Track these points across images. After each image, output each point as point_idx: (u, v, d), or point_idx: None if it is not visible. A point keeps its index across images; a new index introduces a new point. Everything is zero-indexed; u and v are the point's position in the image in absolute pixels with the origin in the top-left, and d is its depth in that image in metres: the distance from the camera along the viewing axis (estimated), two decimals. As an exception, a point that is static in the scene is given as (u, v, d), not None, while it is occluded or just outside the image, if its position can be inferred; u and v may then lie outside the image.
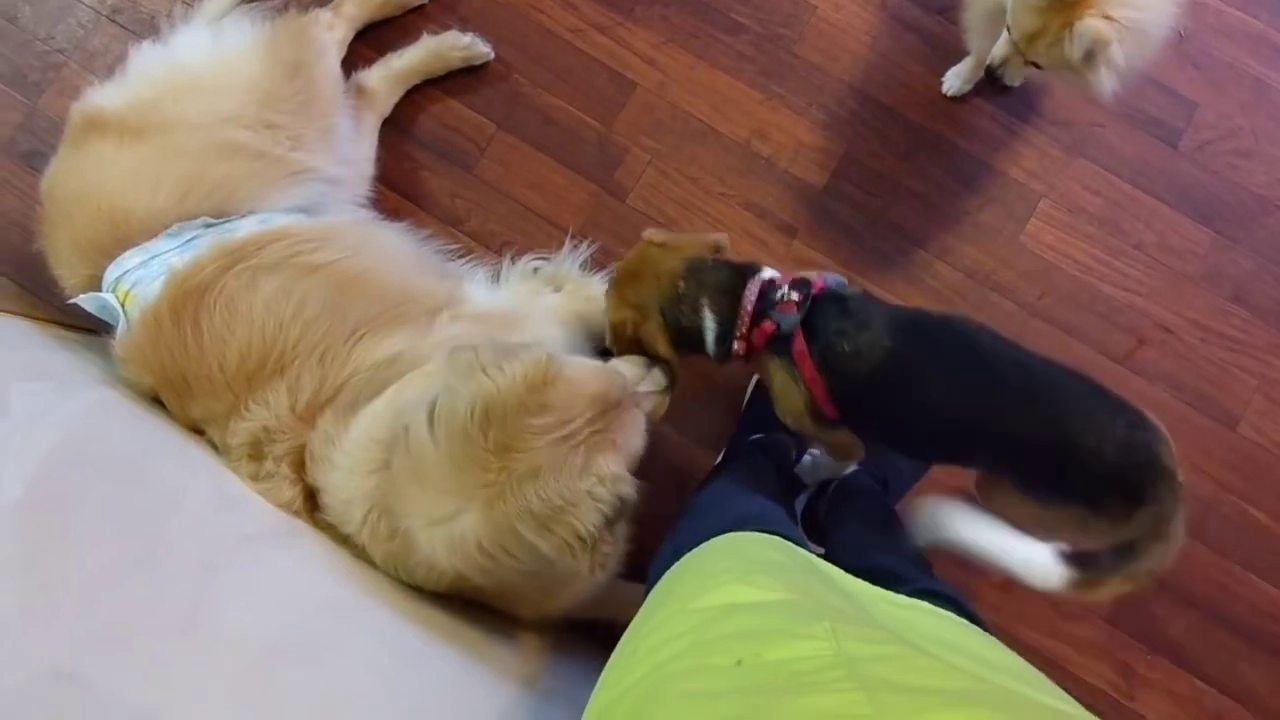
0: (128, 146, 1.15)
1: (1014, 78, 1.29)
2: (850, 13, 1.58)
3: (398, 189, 1.54)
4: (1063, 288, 1.52)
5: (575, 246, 1.45)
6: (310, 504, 1.08)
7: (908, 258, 1.53)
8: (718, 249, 1.15)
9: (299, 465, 1.07)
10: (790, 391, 1.09)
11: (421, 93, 1.56)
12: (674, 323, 1.10)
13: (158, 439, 1.13)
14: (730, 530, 0.75)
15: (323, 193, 1.29)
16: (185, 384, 1.11)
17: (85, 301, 1.20)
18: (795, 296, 1.05)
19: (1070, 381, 1.00)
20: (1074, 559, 0.87)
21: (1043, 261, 1.53)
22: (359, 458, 1.01)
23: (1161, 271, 1.53)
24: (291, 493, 1.07)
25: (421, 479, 0.92)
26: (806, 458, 1.41)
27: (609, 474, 0.91)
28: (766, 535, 0.74)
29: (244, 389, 1.09)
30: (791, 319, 1.05)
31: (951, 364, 1.02)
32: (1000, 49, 1.26)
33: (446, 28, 1.55)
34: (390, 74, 1.50)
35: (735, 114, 1.57)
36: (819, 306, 1.06)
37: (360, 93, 1.46)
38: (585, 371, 0.97)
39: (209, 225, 1.16)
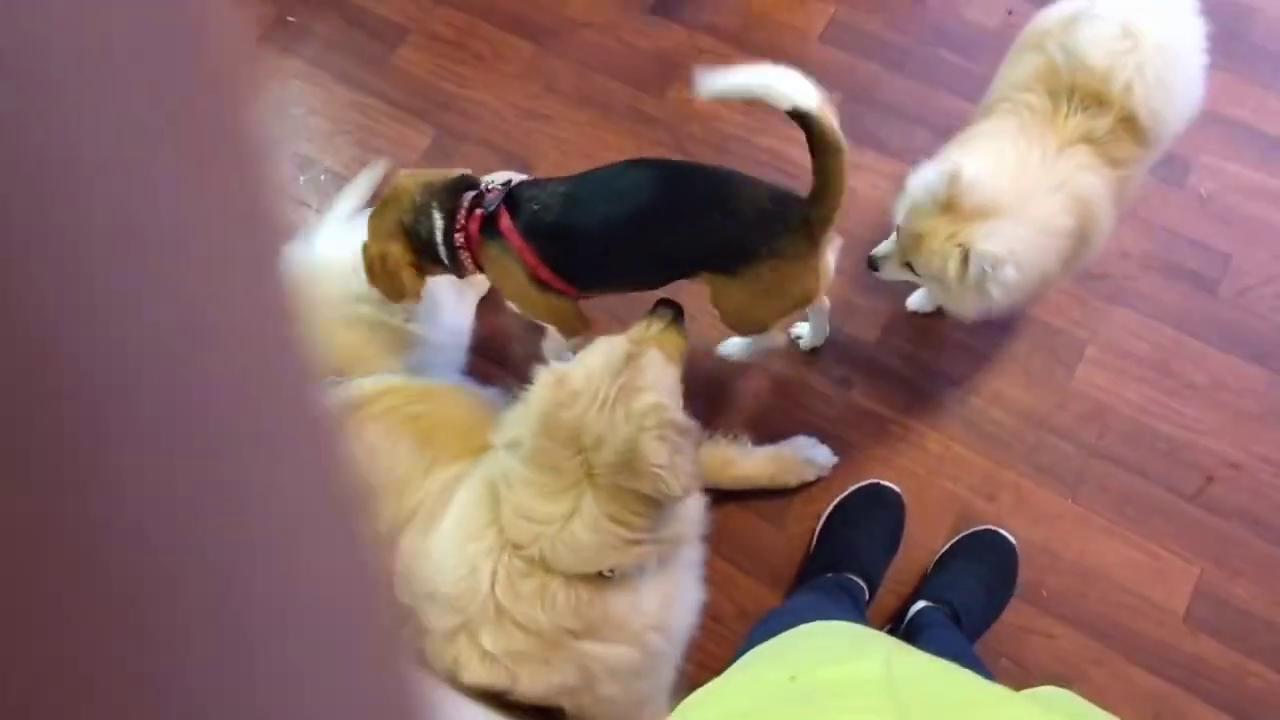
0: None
1: (889, 273, 1.35)
2: (885, 191, 1.78)
3: (489, 356, 1.74)
4: (1120, 428, 1.56)
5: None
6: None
7: (962, 404, 1.61)
8: (462, 177, 1.34)
9: None
10: (509, 268, 1.29)
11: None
12: (414, 235, 1.29)
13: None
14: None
15: (428, 357, 1.49)
16: None
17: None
18: (499, 185, 1.30)
19: (726, 175, 1.23)
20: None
21: (1097, 404, 1.59)
22: (466, 524, 1.13)
23: (1221, 410, 1.56)
24: None
25: (533, 500, 1.06)
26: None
27: (647, 407, 1.06)
28: (845, 623, 0.79)
29: None
30: (494, 199, 1.27)
31: (618, 194, 1.23)
32: (886, 244, 1.34)
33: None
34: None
35: (789, 281, 1.74)
36: (520, 190, 1.28)
37: (462, 276, 1.69)
38: (587, 355, 1.14)
39: (334, 383, 1.35)
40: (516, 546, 1.07)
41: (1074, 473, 1.54)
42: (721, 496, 1.53)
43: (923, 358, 1.65)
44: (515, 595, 1.07)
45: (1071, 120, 1.21)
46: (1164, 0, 1.23)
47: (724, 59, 1.35)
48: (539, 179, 1.34)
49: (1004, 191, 1.19)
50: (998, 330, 1.65)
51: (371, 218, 1.34)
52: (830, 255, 1.28)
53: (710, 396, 1.65)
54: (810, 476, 1.53)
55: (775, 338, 1.51)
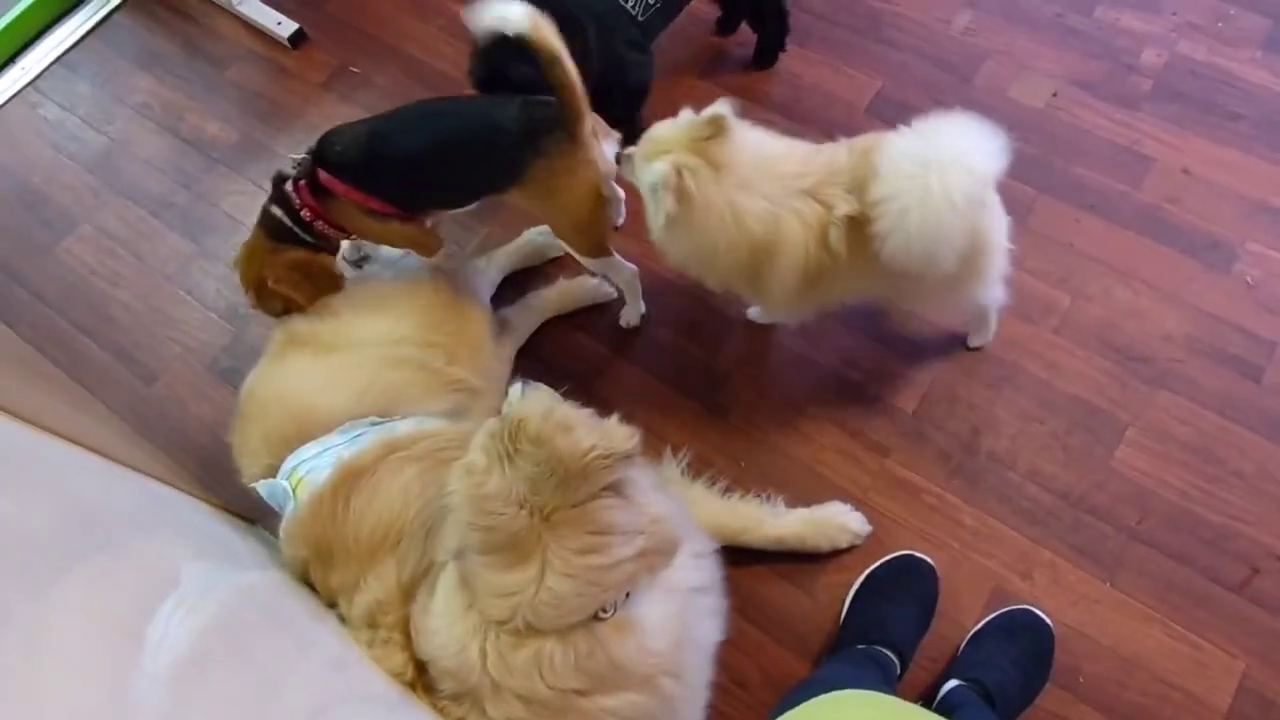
0: (320, 358, 1.40)
1: (625, 169, 1.43)
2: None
3: (525, 404, 1.75)
4: (1162, 513, 1.53)
5: (675, 456, 1.58)
6: (421, 676, 1.16)
7: (1000, 479, 1.59)
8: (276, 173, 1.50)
9: (407, 633, 1.17)
10: (350, 213, 1.46)
11: (552, 325, 1.82)
12: (276, 237, 1.48)
13: (293, 611, 1.26)
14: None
15: (466, 402, 1.50)
16: (330, 554, 1.25)
17: (260, 487, 1.39)
18: (298, 158, 1.46)
19: (483, 102, 1.49)
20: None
21: (1137, 487, 1.56)
22: (450, 607, 1.09)
23: (1267, 500, 1.52)
24: (401, 658, 1.15)
25: (499, 577, 1.01)
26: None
27: (537, 423, 1.01)
28: (882, 694, 0.77)
29: (367, 562, 1.22)
30: (302, 165, 1.44)
31: (412, 130, 1.42)
32: (636, 147, 1.40)
33: (577, 274, 1.83)
34: (528, 309, 1.78)
35: (826, 345, 1.74)
36: (322, 145, 1.43)
37: (503, 324, 1.72)
38: (474, 438, 1.09)
39: (374, 424, 1.37)
40: (500, 623, 1.03)
41: (1113, 555, 1.50)
42: (750, 558, 1.51)
43: (960, 430, 1.64)
44: (508, 671, 1.03)
45: (841, 186, 1.30)
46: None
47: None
48: (338, 127, 1.47)
49: (744, 163, 1.30)
50: (1037, 405, 1.64)
51: (243, 268, 1.53)
52: (602, 146, 1.44)
53: (742, 457, 1.65)
54: (843, 543, 1.51)
55: (621, 265, 1.65)
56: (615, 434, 1.02)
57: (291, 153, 1.65)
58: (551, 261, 1.90)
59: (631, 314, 1.79)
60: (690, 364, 1.77)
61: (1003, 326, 1.72)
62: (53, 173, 2.22)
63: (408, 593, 1.19)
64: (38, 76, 2.39)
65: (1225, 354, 1.65)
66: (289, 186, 1.46)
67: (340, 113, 2.20)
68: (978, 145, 1.20)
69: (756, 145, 1.34)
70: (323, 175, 1.43)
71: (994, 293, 1.47)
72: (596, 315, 1.84)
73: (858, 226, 1.29)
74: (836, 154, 1.34)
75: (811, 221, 1.31)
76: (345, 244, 1.66)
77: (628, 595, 1.04)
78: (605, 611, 1.03)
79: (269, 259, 1.49)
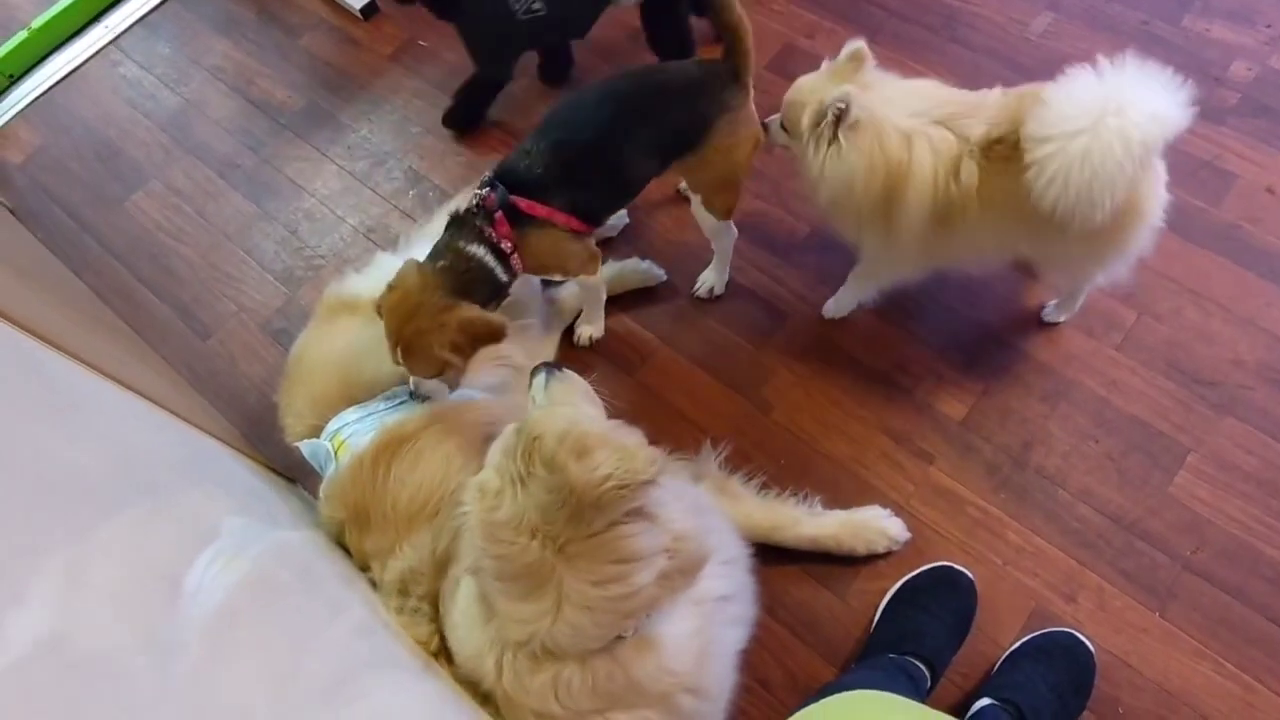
0: (369, 325, 1.41)
1: (776, 136, 1.50)
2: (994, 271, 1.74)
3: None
4: (1219, 544, 1.46)
5: (715, 449, 1.56)
6: (446, 647, 1.16)
7: (1048, 496, 1.54)
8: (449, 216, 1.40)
9: (437, 605, 1.17)
10: (546, 238, 1.39)
11: (601, 308, 1.81)
12: (463, 283, 1.31)
13: (325, 573, 1.27)
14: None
15: (512, 378, 1.50)
16: (367, 518, 1.26)
17: (303, 446, 1.41)
18: (484, 191, 1.35)
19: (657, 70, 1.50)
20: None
21: (1194, 515, 1.49)
22: (470, 614, 1.08)
23: (1333, 540, 1.45)
24: (428, 629, 1.16)
25: (515, 605, 0.97)
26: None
27: (551, 446, 0.94)
28: (905, 699, 0.75)
29: (405, 529, 1.23)
30: (498, 195, 1.34)
31: (590, 117, 1.39)
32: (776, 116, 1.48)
33: (629, 255, 1.82)
34: (577, 290, 1.77)
35: (879, 347, 1.71)
36: (502, 173, 1.37)
37: (553, 303, 1.72)
38: (489, 457, 1.05)
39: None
40: (518, 644, 1.00)
41: (1164, 585, 1.44)
42: (783, 557, 1.49)
43: (1011, 443, 1.59)
44: (525, 691, 1.00)
45: (984, 121, 1.30)
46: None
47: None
48: (510, 158, 1.42)
49: (888, 88, 1.35)
50: (1093, 424, 1.58)
51: (395, 313, 1.28)
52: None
53: (782, 455, 1.62)
54: (880, 548, 1.48)
55: (733, 230, 1.68)
56: (636, 458, 0.94)
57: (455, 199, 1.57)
58: (603, 243, 1.88)
59: (718, 282, 1.78)
60: (737, 357, 1.74)
61: (1062, 339, 1.66)
62: (128, 129, 2.28)
63: (441, 565, 1.19)
64: (120, 35, 2.46)
65: (1300, 384, 1.57)
66: (482, 224, 1.34)
67: (407, 85, 2.22)
68: (1162, 95, 1.16)
69: (899, 80, 1.38)
70: (524, 203, 1.36)
71: (1122, 269, 1.42)
72: (645, 300, 1.83)
73: (999, 166, 1.27)
74: (987, 94, 1.34)
75: (942, 149, 1.30)
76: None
77: (649, 615, 1.00)
78: (626, 633, 0.99)
79: (439, 317, 1.27)
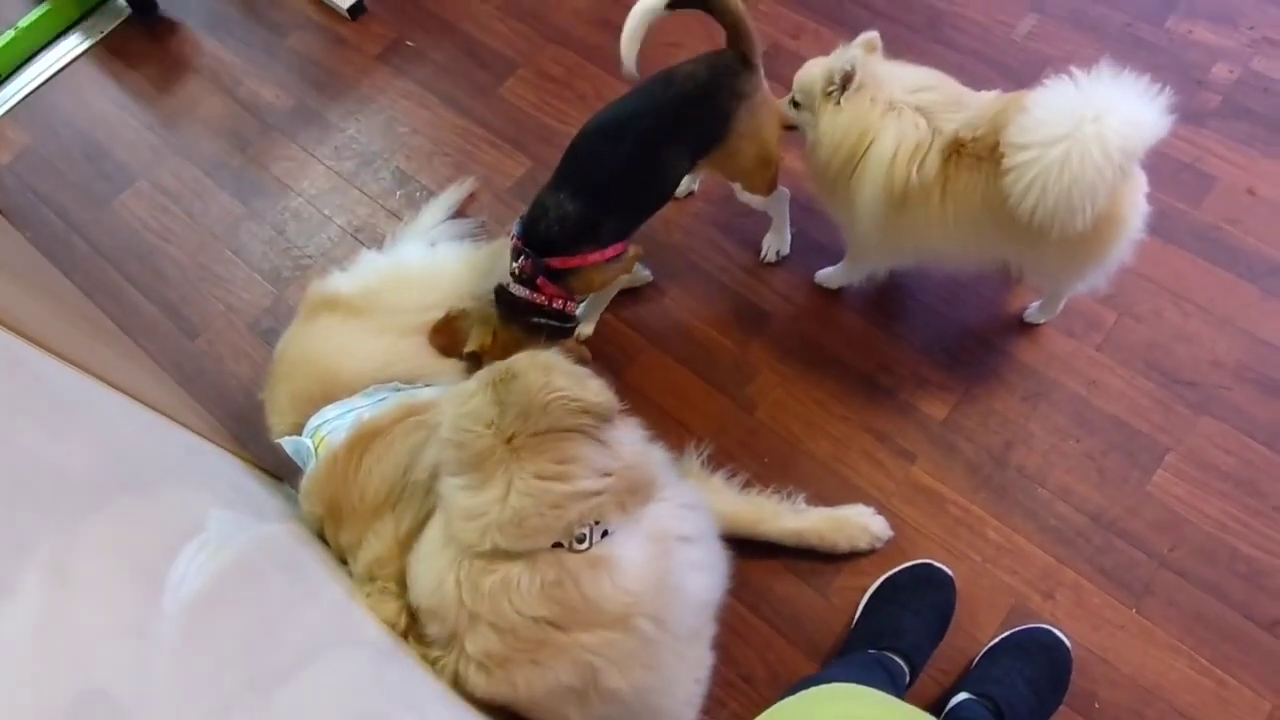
0: (350, 322, 1.42)
1: (789, 113, 1.53)
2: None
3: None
4: (1196, 542, 1.48)
5: (698, 448, 1.58)
6: (414, 625, 1.17)
7: (1028, 495, 1.55)
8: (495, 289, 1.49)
9: (403, 583, 1.19)
10: (597, 271, 1.46)
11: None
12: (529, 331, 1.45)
13: (306, 560, 1.28)
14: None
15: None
16: (340, 512, 1.27)
17: (285, 443, 1.42)
18: (520, 261, 1.43)
19: (664, 76, 1.44)
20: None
21: (1172, 514, 1.51)
22: (431, 546, 1.14)
23: (1310, 539, 1.47)
24: (395, 606, 1.17)
25: (469, 499, 1.07)
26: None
27: (523, 359, 1.12)
28: (880, 693, 0.76)
29: (371, 519, 1.24)
30: (536, 263, 1.41)
31: (610, 147, 1.40)
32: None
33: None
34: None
35: (862, 347, 1.72)
36: (529, 237, 1.41)
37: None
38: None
39: (398, 389, 1.39)
40: (471, 548, 1.07)
41: (1141, 582, 1.46)
42: (765, 552, 1.50)
43: (991, 442, 1.60)
44: (479, 595, 1.05)
45: (961, 119, 1.33)
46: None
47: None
48: (532, 212, 1.44)
49: (885, 71, 1.38)
50: (1073, 423, 1.60)
51: (472, 336, 1.46)
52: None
53: (765, 453, 1.64)
54: (863, 544, 1.49)
55: (784, 195, 1.71)
56: (589, 387, 1.09)
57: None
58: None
59: (783, 244, 1.81)
60: (721, 357, 1.76)
61: (1043, 340, 1.68)
62: (115, 129, 2.28)
63: (405, 545, 1.21)
64: (107, 35, 2.46)
65: (1277, 384, 1.59)
66: (528, 292, 1.44)
67: (394, 85, 2.23)
68: (1140, 103, 1.18)
69: (907, 65, 1.41)
70: (556, 261, 1.42)
71: (1101, 278, 1.43)
72: (632, 300, 1.84)
73: (971, 164, 1.30)
74: (983, 96, 1.36)
75: (909, 134, 1.33)
76: None
77: (605, 534, 1.06)
78: (579, 544, 1.05)
79: (498, 340, 1.47)
